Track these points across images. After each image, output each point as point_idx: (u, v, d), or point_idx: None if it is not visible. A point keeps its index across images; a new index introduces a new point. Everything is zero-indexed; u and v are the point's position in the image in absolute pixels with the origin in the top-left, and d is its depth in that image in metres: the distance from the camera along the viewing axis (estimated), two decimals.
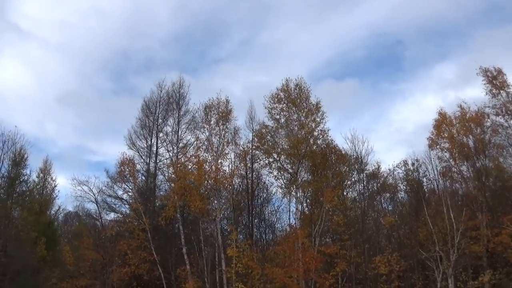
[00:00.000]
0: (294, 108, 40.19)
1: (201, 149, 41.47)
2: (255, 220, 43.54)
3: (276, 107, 40.49)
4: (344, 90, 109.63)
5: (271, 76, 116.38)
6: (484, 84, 41.12)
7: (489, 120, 42.13)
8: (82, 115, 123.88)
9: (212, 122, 41.09)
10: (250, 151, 43.06)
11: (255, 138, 42.17)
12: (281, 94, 40.48)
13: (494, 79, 40.93)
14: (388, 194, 49.80)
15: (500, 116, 40.65)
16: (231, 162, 40.89)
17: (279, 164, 40.47)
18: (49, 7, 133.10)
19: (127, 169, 42.84)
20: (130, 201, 44.33)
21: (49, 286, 41.69)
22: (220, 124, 40.73)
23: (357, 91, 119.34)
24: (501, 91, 41.04)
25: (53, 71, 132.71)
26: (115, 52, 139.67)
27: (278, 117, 40.58)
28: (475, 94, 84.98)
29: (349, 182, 47.03)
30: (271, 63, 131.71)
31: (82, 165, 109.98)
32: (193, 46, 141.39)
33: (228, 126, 41.17)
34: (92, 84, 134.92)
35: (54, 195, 53.56)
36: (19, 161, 43.10)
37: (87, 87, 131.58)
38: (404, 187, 49.83)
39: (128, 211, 45.81)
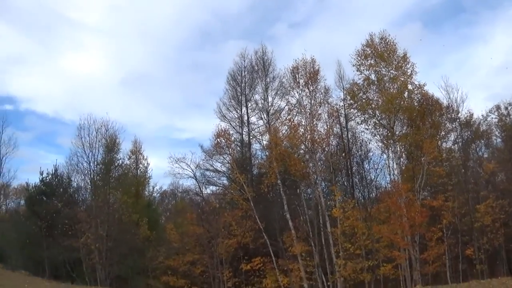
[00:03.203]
0: (382, 63, 44.13)
1: (293, 112, 47.12)
2: (355, 179, 49.19)
3: (364, 63, 44.79)
4: (424, 38, 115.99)
5: (350, 32, 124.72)
6: None
7: None
8: (163, 96, 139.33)
9: (301, 84, 45.80)
10: (343, 110, 48.90)
11: (347, 96, 47.78)
12: (367, 49, 44.73)
13: None
14: (482, 141, 54.37)
15: None
16: (325, 122, 46.16)
17: (375, 119, 45.02)
18: None
19: (223, 141, 49.29)
20: (229, 172, 50.92)
21: (156, 265, 49.12)
22: (309, 85, 45.47)
23: (436, 38, 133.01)
24: None
25: (123, 55, 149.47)
26: (191, 28, 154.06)
27: (367, 73, 44.96)
28: None
29: (442, 133, 50.95)
30: (348, 20, 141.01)
31: (172, 144, 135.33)
32: (269, 13, 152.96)
33: (317, 87, 45.86)
34: (167, 63, 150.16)
35: (148, 175, 61.61)
36: (112, 146, 50.23)
37: (162, 67, 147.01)
38: (499, 133, 54.25)
39: (227, 183, 52.40)
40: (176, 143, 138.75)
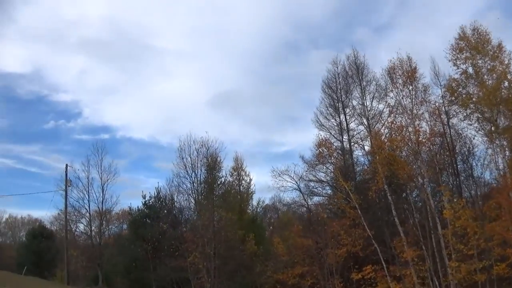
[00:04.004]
0: (478, 55, 44.99)
1: (394, 114, 49.19)
2: (461, 177, 50.80)
3: (459, 57, 45.92)
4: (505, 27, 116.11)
5: (434, 29, 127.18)
6: None
7: None
8: (255, 111, 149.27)
9: (399, 84, 47.00)
10: (443, 107, 50.58)
11: (447, 93, 49.02)
12: (461, 42, 45.96)
13: None
14: None
15: None
16: (427, 121, 47.55)
17: (477, 114, 45.96)
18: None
19: (325, 150, 52.06)
20: (333, 181, 53.66)
21: (264, 280, 52.19)
22: (408, 84, 46.45)
23: None
24: None
25: (210, 75, 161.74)
26: (275, 42, 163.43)
27: (464, 67, 45.91)
28: None
29: None
30: (430, 17, 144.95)
31: (269, 159, 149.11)
32: (352, 19, 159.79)
33: (417, 85, 46.66)
34: (254, 79, 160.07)
35: (251, 190, 65.87)
36: (213, 165, 53.92)
37: (250, 83, 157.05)
38: None
39: (331, 192, 55.07)
40: (273, 157, 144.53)
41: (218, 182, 56.03)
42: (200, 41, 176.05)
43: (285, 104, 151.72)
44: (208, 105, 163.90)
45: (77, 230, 74.65)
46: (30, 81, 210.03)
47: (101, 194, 67.23)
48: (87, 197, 66.71)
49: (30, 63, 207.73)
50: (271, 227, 72.55)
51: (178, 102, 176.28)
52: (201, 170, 53.39)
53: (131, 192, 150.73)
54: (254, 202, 71.11)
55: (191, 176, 52.97)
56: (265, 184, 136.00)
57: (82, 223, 69.63)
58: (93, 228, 69.43)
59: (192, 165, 52.73)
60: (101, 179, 67.29)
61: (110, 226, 78.66)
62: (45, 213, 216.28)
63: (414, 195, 50.12)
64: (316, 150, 53.62)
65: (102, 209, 67.80)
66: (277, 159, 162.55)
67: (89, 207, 67.00)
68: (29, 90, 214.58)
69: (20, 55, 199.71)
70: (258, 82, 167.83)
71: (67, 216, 64.55)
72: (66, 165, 62.94)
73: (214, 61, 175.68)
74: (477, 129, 47.79)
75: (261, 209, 74.88)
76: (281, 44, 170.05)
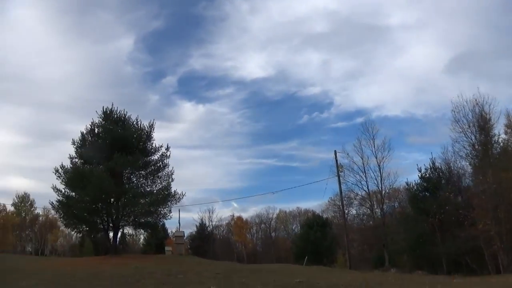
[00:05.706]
0: None
1: None
2: None
3: None
4: None
5: None
6: None
7: None
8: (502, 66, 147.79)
9: None
10: None
11: None
12: None
13: None
14: None
15: None
16: None
17: None
18: None
19: None
20: None
21: None
22: None
23: None
24: None
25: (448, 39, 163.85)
26: None
27: None
28: None
29: None
30: None
31: None
32: None
33: None
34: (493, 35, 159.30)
35: None
36: (484, 125, 53.12)
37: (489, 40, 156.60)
38: None
39: None
40: None
41: (493, 142, 55.08)
42: (424, 10, 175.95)
43: None
44: (448, 69, 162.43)
45: (350, 213, 77.17)
46: (276, 82, 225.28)
47: (379, 174, 69.45)
48: (365, 179, 69.80)
49: (271, 66, 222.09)
50: None
51: (418, 73, 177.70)
52: (476, 131, 52.77)
53: (395, 170, 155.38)
54: None
55: (470, 138, 52.63)
56: None
57: (362, 204, 72.41)
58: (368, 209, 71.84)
59: (469, 126, 52.32)
60: (376, 157, 69.66)
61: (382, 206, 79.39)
62: (311, 203, 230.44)
63: None
64: None
65: (382, 188, 70.00)
66: None
67: (367, 188, 70.00)
68: (277, 91, 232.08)
69: (260, 61, 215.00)
70: (497, 35, 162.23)
71: (343, 201, 66.51)
72: (335, 151, 64.23)
73: (447, 24, 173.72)
74: None
75: None
76: None
